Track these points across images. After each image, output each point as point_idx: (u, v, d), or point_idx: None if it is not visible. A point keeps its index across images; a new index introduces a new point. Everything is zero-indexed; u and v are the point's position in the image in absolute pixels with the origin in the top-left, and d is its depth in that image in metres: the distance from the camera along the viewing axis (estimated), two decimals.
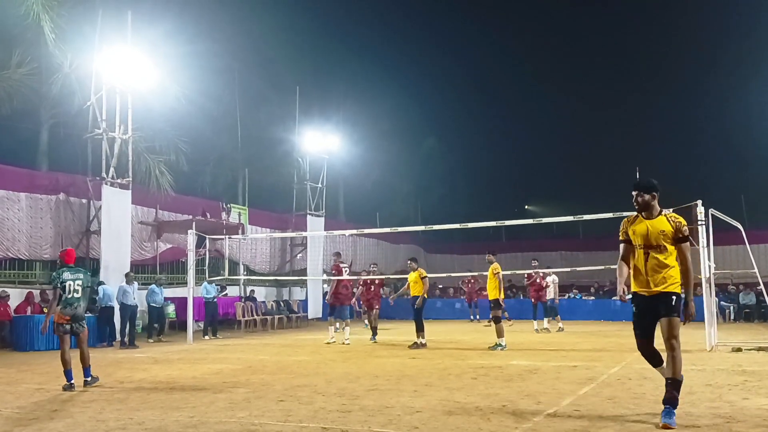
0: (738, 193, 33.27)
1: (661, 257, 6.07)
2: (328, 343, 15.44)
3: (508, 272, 17.19)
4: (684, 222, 6.15)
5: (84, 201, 19.62)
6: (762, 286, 14.63)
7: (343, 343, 15.22)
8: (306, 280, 25.46)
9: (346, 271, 16.19)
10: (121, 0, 20.33)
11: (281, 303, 24.49)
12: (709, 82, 39.91)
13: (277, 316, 22.60)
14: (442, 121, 44.90)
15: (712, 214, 12.72)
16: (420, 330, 14.32)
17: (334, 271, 16.47)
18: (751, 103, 33.93)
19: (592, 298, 27.45)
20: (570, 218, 16.71)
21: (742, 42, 37.98)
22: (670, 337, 5.97)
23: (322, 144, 27.84)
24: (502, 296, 14.06)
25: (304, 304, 25.64)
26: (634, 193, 6.21)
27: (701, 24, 40.14)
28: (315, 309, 25.93)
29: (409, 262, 15.65)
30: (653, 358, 6.28)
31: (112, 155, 18.61)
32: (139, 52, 18.77)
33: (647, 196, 6.16)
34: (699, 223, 12.74)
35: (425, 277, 14.69)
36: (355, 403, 7.14)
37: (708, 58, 41.26)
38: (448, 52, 47.12)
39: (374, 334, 16.30)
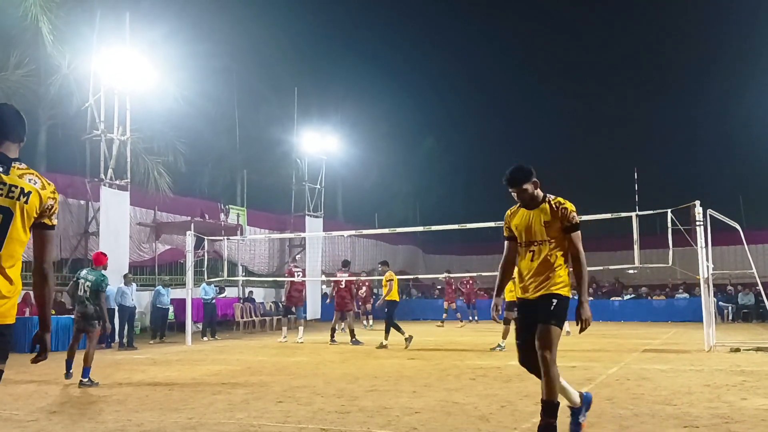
0: (736, 194, 33.33)
1: (545, 254, 5.06)
2: (281, 342, 16.30)
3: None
4: (571, 207, 5.10)
5: (82, 202, 19.62)
6: (760, 287, 14.66)
7: (297, 342, 16.09)
8: (304, 281, 25.44)
9: (298, 274, 17.25)
10: (120, 1, 20.36)
11: (280, 304, 24.47)
12: (707, 83, 40.02)
13: (275, 317, 22.59)
14: (441, 122, 45.00)
15: (711, 215, 12.74)
16: (387, 331, 14.55)
17: (286, 274, 17.65)
18: (750, 103, 33.99)
19: (591, 298, 27.45)
20: None
21: (741, 42, 38.08)
22: (543, 348, 4.86)
23: (321, 145, 27.88)
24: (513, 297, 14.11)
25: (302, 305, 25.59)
26: (512, 191, 5.20)
27: (700, 24, 40.23)
28: (314, 310, 25.93)
29: (379, 265, 15.82)
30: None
31: (111, 156, 18.61)
32: (138, 53, 18.78)
33: (528, 187, 5.14)
34: (697, 223, 12.76)
35: (390, 280, 14.88)
36: (354, 404, 7.14)
37: (707, 58, 41.35)
38: (447, 53, 47.21)
39: (351, 336, 16.01)
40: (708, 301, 13.00)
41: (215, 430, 5.96)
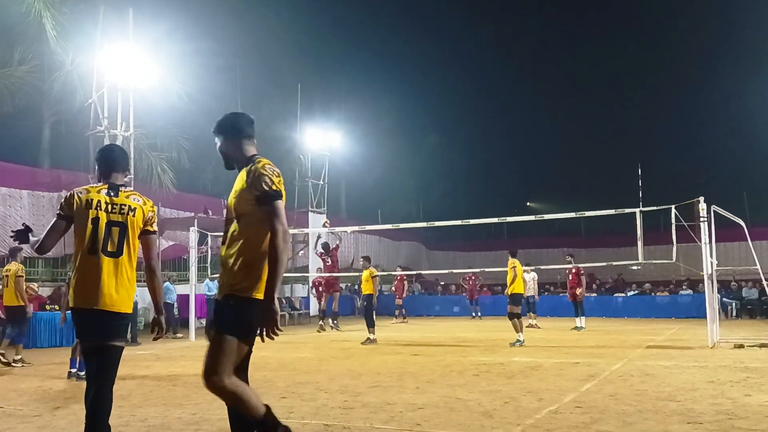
0: (740, 190, 33.25)
1: (235, 236, 3.84)
2: None
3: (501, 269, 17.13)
4: (266, 170, 3.77)
5: None
6: (764, 282, 14.62)
7: None
8: (308, 277, 25.49)
9: None
10: None
11: (283, 300, 24.50)
12: (712, 79, 39.94)
13: (279, 313, 22.60)
14: (444, 119, 44.98)
15: (715, 211, 12.71)
16: (370, 326, 14.69)
17: None
18: (754, 99, 33.89)
19: (594, 294, 27.46)
20: (572, 215, 16.72)
21: (746, 39, 37.90)
22: (206, 372, 3.71)
23: (324, 141, 27.88)
24: (520, 291, 14.09)
25: (306, 301, 25.66)
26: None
27: (704, 20, 40.08)
28: (317, 306, 25.94)
29: (361, 260, 16.08)
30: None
31: None
32: (141, 49, 18.78)
33: (229, 147, 4.03)
34: (701, 219, 12.73)
35: (376, 276, 15.16)
36: (358, 400, 7.14)
37: (712, 54, 41.21)
38: (451, 50, 47.11)
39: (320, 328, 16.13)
40: (712, 297, 12.98)
41: (219, 425, 5.97)
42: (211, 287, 18.84)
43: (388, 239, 34.99)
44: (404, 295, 24.66)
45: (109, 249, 4.21)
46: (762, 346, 12.30)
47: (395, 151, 38.51)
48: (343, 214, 35.48)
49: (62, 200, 4.35)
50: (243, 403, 3.76)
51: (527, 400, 7.01)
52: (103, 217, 4.25)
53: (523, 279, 14.29)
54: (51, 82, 20.50)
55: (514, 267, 13.82)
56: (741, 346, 12.32)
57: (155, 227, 4.45)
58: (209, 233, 19.64)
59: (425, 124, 42.39)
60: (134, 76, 18.68)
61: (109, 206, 4.29)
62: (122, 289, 4.22)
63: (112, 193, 4.35)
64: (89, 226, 4.21)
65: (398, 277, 24.38)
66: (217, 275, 19.58)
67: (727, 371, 9.04)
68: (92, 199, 4.28)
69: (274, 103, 30.86)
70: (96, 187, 4.39)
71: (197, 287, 17.82)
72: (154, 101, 20.84)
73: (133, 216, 4.32)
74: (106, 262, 4.20)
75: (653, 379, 8.41)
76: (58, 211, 4.32)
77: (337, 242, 18.34)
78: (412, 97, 40.58)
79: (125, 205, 4.34)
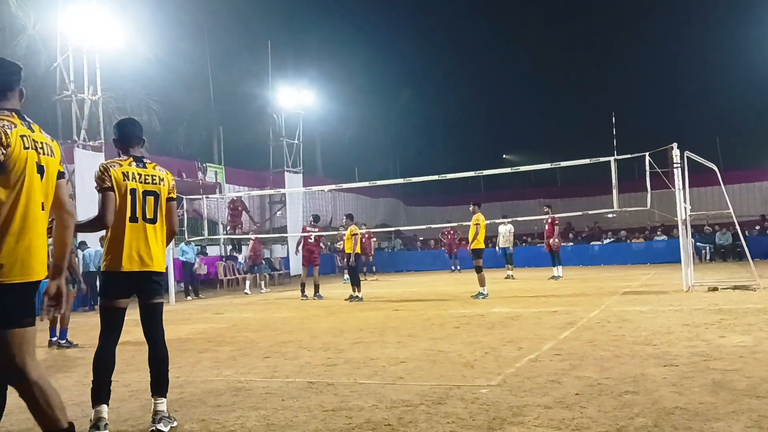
0: (713, 135, 33.56)
1: None
2: (247, 293, 18.90)
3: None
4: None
5: None
6: (737, 226, 14.88)
7: (245, 294, 18.84)
8: (286, 237, 25.45)
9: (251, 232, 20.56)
10: None
11: (263, 261, 24.46)
12: (683, 26, 39.94)
13: (258, 275, 22.58)
14: (417, 73, 44.65)
15: (688, 157, 12.81)
16: (355, 284, 14.80)
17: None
18: (726, 45, 34.04)
19: (571, 244, 27.79)
20: (547, 165, 16.76)
21: None
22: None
23: (297, 99, 27.55)
24: (481, 246, 14.11)
25: (285, 261, 25.66)
26: None
27: None
28: (297, 266, 25.97)
29: (344, 218, 16.39)
30: None
31: (83, 117, 18.27)
32: (105, 10, 18.28)
33: None
34: (675, 165, 12.85)
35: (355, 234, 15.16)
36: (340, 356, 7.19)
37: (683, 2, 41.13)
38: (421, 4, 46.51)
39: (315, 290, 16.06)
40: (686, 242, 13.18)
41: (203, 387, 5.98)
42: (185, 251, 18.65)
43: (366, 197, 34.95)
44: (372, 252, 24.84)
45: (147, 216, 4.59)
46: (735, 288, 12.57)
47: (370, 107, 38.24)
48: (320, 172, 35.32)
49: (100, 174, 4.49)
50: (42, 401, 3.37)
51: (507, 349, 7.11)
52: (139, 188, 4.58)
53: (485, 232, 14.30)
54: (14, 47, 19.98)
55: (477, 224, 13.83)
56: (715, 289, 12.56)
57: (175, 194, 4.85)
58: (184, 196, 19.46)
59: (398, 79, 42.07)
60: (99, 38, 18.22)
61: (142, 177, 4.62)
62: (160, 252, 4.66)
63: (140, 165, 4.67)
64: (128, 196, 4.53)
65: (366, 235, 24.36)
66: (195, 238, 19.55)
67: (701, 314, 9.23)
68: (127, 172, 4.57)
69: (244, 62, 30.41)
70: (124, 160, 4.64)
71: (173, 251, 17.69)
72: (121, 64, 20.41)
73: (163, 185, 4.70)
74: (147, 228, 4.59)
75: (630, 324, 8.56)
76: (104, 186, 4.46)
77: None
78: (384, 52, 40.18)
79: (155, 175, 4.70)
